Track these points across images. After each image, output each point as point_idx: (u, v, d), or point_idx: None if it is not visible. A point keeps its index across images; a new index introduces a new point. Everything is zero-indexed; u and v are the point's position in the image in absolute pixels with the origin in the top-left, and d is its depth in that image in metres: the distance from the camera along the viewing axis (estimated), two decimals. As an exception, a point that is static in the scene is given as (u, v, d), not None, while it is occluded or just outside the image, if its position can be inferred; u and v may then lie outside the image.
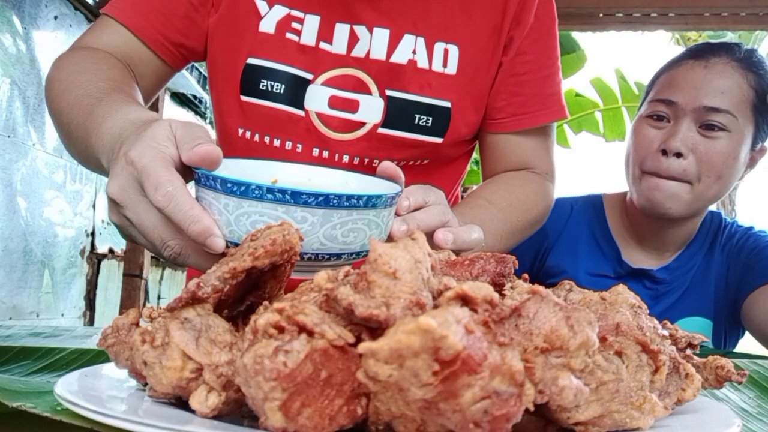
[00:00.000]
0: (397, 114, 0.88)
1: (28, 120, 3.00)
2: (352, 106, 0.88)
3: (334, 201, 0.49)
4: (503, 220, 0.85)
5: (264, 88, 0.87)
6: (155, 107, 3.09)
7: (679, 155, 1.02)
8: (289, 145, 0.89)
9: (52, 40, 3.17)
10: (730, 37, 6.64)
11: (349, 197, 0.49)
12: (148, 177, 0.50)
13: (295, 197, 0.48)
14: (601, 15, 3.01)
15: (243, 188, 0.48)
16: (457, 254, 0.50)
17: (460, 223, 0.69)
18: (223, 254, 0.46)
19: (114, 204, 0.54)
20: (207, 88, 1.04)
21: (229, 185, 0.48)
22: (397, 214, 0.61)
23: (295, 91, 0.87)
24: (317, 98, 0.88)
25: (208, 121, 6.29)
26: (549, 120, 0.97)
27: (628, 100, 4.74)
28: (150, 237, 0.53)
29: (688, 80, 1.06)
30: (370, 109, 0.88)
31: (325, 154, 0.89)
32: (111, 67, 0.80)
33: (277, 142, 0.90)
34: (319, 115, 0.88)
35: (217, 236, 0.49)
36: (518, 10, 0.91)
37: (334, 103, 0.88)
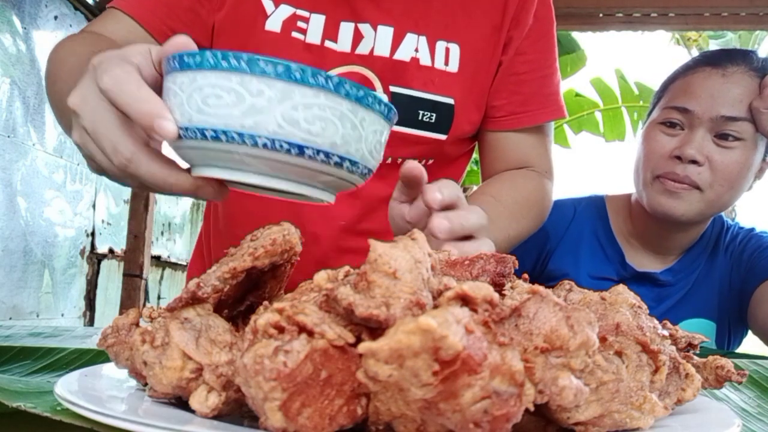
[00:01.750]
0: (401, 110, 0.88)
1: (28, 120, 3.00)
2: None
3: (297, 74, 0.43)
4: (509, 217, 0.85)
5: None
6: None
7: (694, 162, 1.01)
8: None
9: (52, 40, 3.17)
10: (730, 37, 6.63)
11: (315, 73, 0.43)
12: (102, 69, 0.48)
13: (252, 65, 0.43)
14: (601, 15, 3.01)
15: (198, 59, 0.44)
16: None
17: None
18: (225, 254, 0.46)
19: (75, 116, 0.51)
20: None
21: (185, 59, 0.45)
22: (429, 207, 0.59)
23: None
24: None
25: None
26: (549, 119, 0.98)
27: (628, 100, 4.74)
28: (102, 143, 0.49)
29: (704, 88, 1.03)
30: None
31: None
32: (112, 46, 0.80)
33: None
34: None
35: (167, 119, 0.45)
36: (518, 11, 0.92)
37: None
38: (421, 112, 0.89)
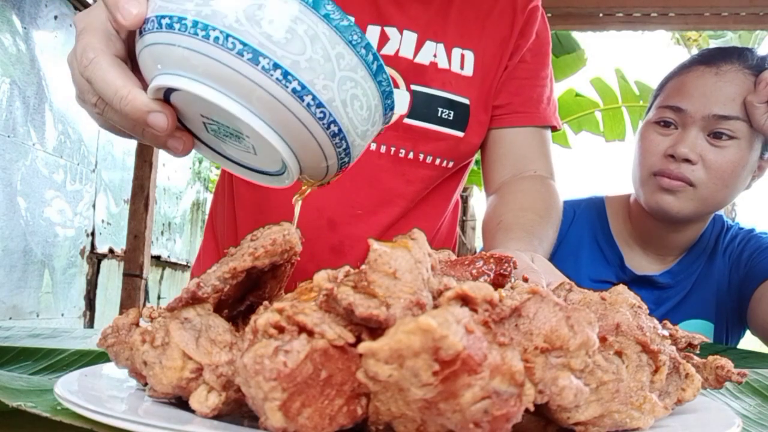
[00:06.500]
0: (421, 106, 0.94)
1: (28, 120, 3.00)
2: None
3: None
4: (549, 227, 0.90)
5: None
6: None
7: (687, 161, 1.01)
8: None
9: (52, 40, 3.17)
10: (730, 36, 6.62)
11: None
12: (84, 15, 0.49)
13: None
14: (601, 15, 3.01)
15: None
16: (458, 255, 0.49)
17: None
18: (225, 254, 0.46)
19: (72, 71, 0.51)
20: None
21: None
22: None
23: None
24: None
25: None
26: (547, 122, 1.02)
27: (628, 100, 4.74)
28: (78, 47, 0.49)
29: (697, 87, 1.03)
30: (397, 101, 0.95)
31: None
32: None
33: None
34: None
35: (136, 3, 0.44)
36: (524, 24, 1.00)
37: None
38: (440, 109, 0.95)
